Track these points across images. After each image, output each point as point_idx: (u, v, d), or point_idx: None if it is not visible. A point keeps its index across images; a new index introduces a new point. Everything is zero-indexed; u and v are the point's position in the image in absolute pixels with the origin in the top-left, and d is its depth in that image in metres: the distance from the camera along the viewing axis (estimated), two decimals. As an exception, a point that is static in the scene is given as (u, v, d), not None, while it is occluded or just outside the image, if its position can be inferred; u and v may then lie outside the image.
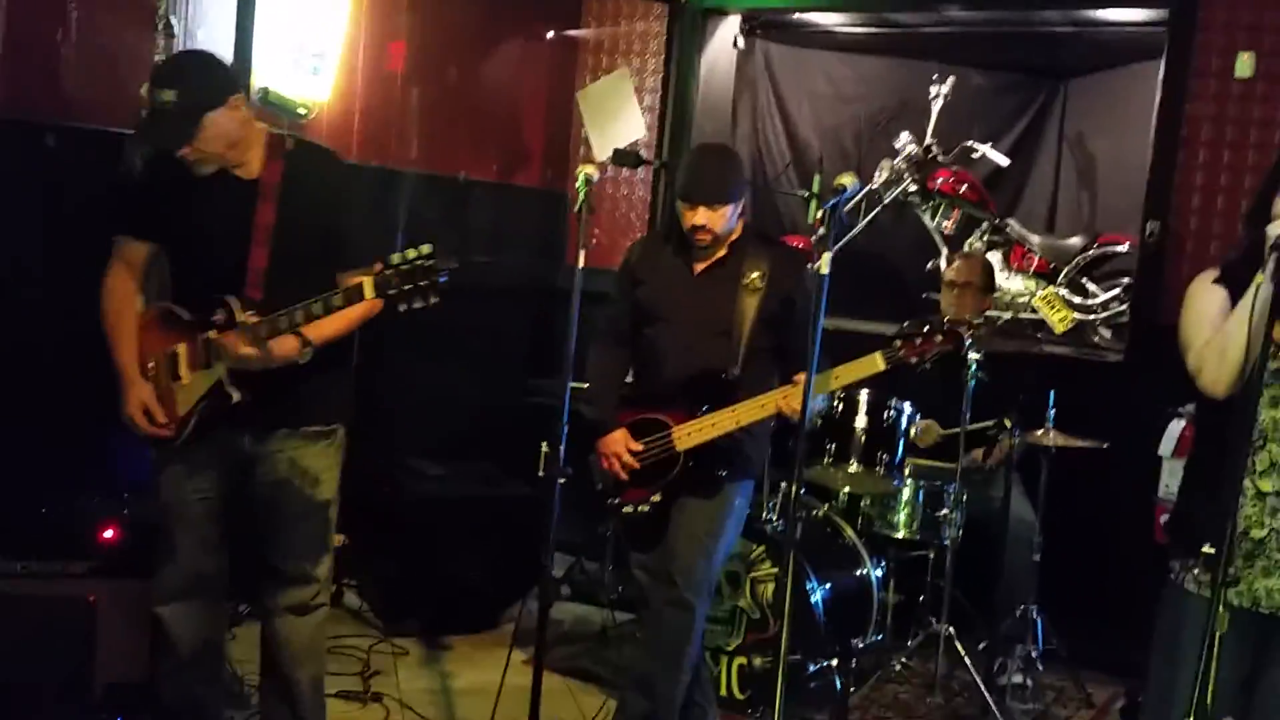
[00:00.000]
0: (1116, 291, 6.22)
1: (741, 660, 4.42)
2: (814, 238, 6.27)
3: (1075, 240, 6.49)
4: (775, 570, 4.37)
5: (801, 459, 3.19)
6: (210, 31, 4.97)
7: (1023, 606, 4.81)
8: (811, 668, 4.41)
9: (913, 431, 4.81)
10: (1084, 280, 6.38)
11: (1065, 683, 4.95)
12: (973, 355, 4.60)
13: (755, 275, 3.74)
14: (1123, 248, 6.21)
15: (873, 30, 6.88)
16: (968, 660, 4.58)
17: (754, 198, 7.11)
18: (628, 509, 3.82)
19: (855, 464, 4.65)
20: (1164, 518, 4.52)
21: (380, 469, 5.20)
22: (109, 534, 3.84)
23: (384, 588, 5.05)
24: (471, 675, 4.59)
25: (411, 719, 4.17)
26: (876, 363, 3.53)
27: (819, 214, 3.25)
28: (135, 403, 3.25)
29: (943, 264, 6.49)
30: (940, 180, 6.54)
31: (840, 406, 4.65)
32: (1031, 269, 6.49)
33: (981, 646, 4.74)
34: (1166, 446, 4.86)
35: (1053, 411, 4.71)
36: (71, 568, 3.75)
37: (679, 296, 3.82)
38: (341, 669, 4.39)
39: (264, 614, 3.48)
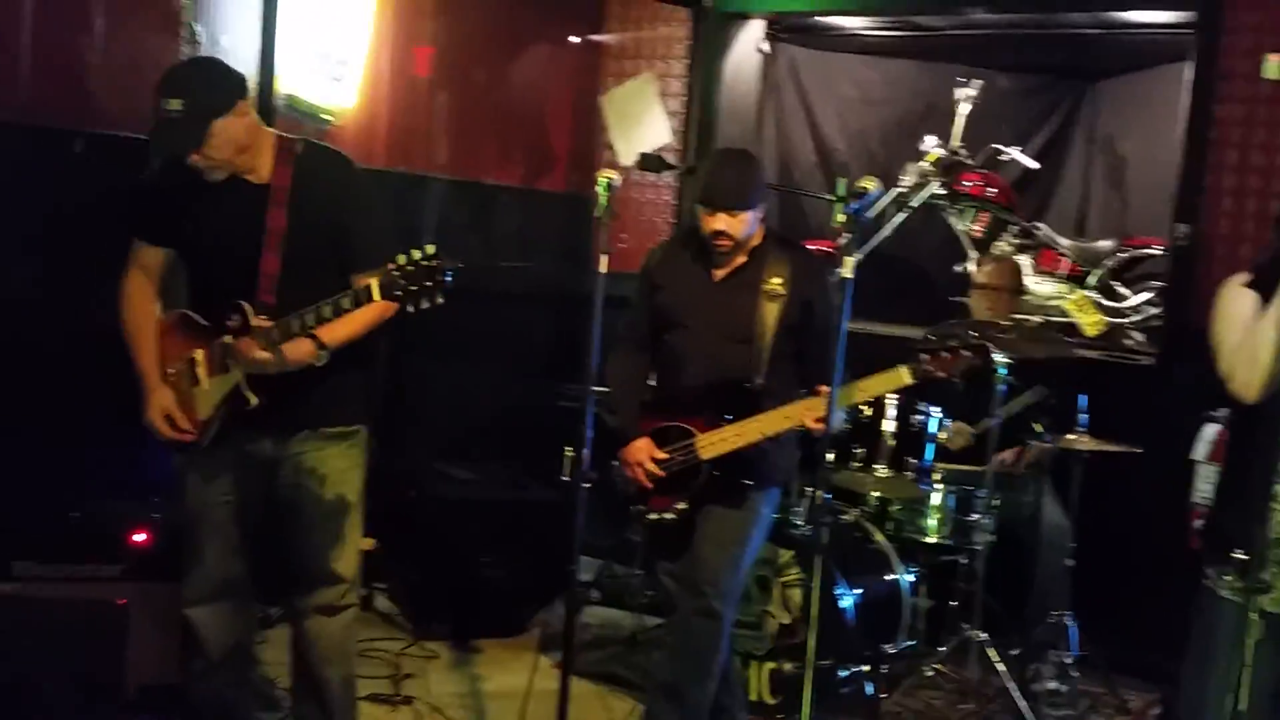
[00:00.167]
0: (1149, 295, 6.17)
1: (772, 665, 4.39)
2: (838, 242, 6.24)
3: (1106, 243, 6.43)
4: (804, 575, 4.33)
5: (825, 468, 3.18)
6: (235, 38, 4.99)
7: (1056, 613, 4.76)
8: (842, 673, 4.38)
9: (943, 435, 4.78)
10: (1115, 283, 6.33)
11: (1100, 689, 4.89)
12: (1001, 360, 4.56)
13: (776, 281, 3.71)
14: (1154, 250, 6.15)
15: (898, 33, 6.84)
16: (1001, 666, 4.53)
17: (780, 202, 7.12)
18: (653, 517, 3.78)
19: (884, 468, 4.62)
20: (1198, 523, 4.50)
21: (409, 473, 5.21)
22: (140, 537, 3.86)
23: (414, 591, 5.04)
24: (501, 679, 4.58)
25: (441, 723, 4.16)
26: (902, 377, 3.48)
27: (841, 218, 3.22)
28: (157, 408, 3.27)
29: (971, 267, 6.45)
30: (968, 183, 6.49)
31: (868, 410, 4.61)
32: (1061, 272, 6.44)
33: (1015, 653, 4.70)
34: (1200, 451, 4.80)
35: (1085, 416, 4.67)
36: (103, 571, 3.78)
37: (699, 303, 3.79)
38: (372, 672, 4.39)
39: (293, 615, 3.48)
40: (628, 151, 6.27)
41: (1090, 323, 5.75)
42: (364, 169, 3.49)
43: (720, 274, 3.78)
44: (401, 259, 2.89)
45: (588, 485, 3.39)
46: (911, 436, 4.70)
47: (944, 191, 6.51)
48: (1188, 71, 5.42)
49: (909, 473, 4.77)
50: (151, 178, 3.35)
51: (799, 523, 4.55)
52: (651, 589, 4.58)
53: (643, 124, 6.37)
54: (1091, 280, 6.35)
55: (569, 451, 3.68)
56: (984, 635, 4.61)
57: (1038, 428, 4.69)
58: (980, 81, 6.53)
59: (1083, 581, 4.83)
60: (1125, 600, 5.05)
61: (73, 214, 4.45)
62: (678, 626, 3.79)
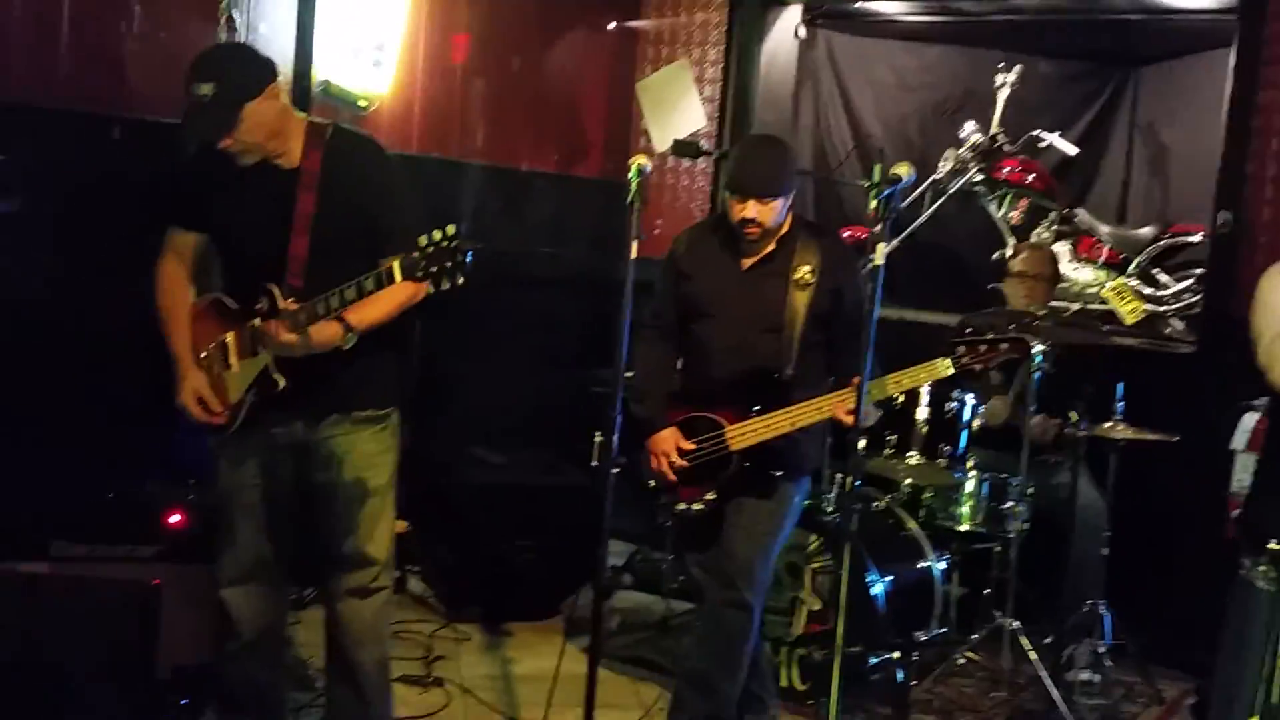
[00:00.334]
0: (1189, 282, 6.11)
1: (802, 651, 4.38)
2: (872, 229, 6.20)
3: (1146, 230, 6.37)
4: (835, 562, 4.32)
5: (857, 455, 3.16)
6: (272, 24, 5.02)
7: (1091, 601, 4.72)
8: (873, 660, 4.36)
9: (976, 421, 4.75)
10: (1155, 271, 6.27)
11: (1135, 679, 4.85)
12: (1038, 347, 4.53)
13: (806, 269, 3.66)
14: (1195, 238, 6.08)
15: (937, 19, 6.79)
16: (1033, 655, 4.50)
17: (815, 188, 7.10)
18: (681, 507, 3.76)
19: (917, 455, 4.59)
20: (1235, 513, 4.45)
21: (443, 457, 5.23)
22: (175, 519, 3.90)
23: (446, 574, 5.08)
24: (532, 662, 4.60)
25: (471, 704, 4.18)
26: (942, 369, 3.45)
27: (874, 204, 3.19)
28: (189, 391, 3.30)
29: (1008, 254, 6.41)
30: (1006, 170, 6.44)
31: (902, 398, 4.58)
32: (1101, 259, 6.38)
33: (1048, 641, 4.66)
34: (1239, 440, 4.75)
35: (1122, 404, 4.63)
36: (138, 552, 3.81)
37: (728, 292, 3.74)
38: (404, 654, 4.42)
39: (326, 598, 3.50)
40: (663, 138, 6.26)
41: (1129, 310, 5.69)
42: (398, 154, 3.51)
43: (749, 262, 3.74)
44: (423, 240, 2.89)
45: (616, 470, 3.37)
46: (945, 423, 4.67)
47: (982, 178, 6.47)
48: (1231, 57, 5.34)
49: (942, 460, 4.75)
50: (184, 164, 3.38)
51: (829, 509, 4.54)
52: (682, 574, 4.59)
53: (678, 110, 6.34)
54: (1131, 267, 6.28)
55: (598, 436, 3.67)
56: (1016, 623, 4.58)
57: (1073, 416, 4.64)
58: (1021, 67, 6.48)
59: (1118, 570, 4.79)
60: (1161, 589, 5.00)
61: (111, 199, 4.50)
62: (707, 617, 3.77)
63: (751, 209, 3.60)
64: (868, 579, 4.34)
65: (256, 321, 3.19)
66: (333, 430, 3.34)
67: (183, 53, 4.78)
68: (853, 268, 3.83)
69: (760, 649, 3.95)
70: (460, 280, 2.91)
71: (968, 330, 3.56)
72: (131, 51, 4.75)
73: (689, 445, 3.71)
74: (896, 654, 4.34)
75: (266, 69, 3.21)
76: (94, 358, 4.44)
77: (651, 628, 4.93)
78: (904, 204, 6.18)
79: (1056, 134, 6.51)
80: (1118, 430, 4.60)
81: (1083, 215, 6.55)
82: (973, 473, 4.77)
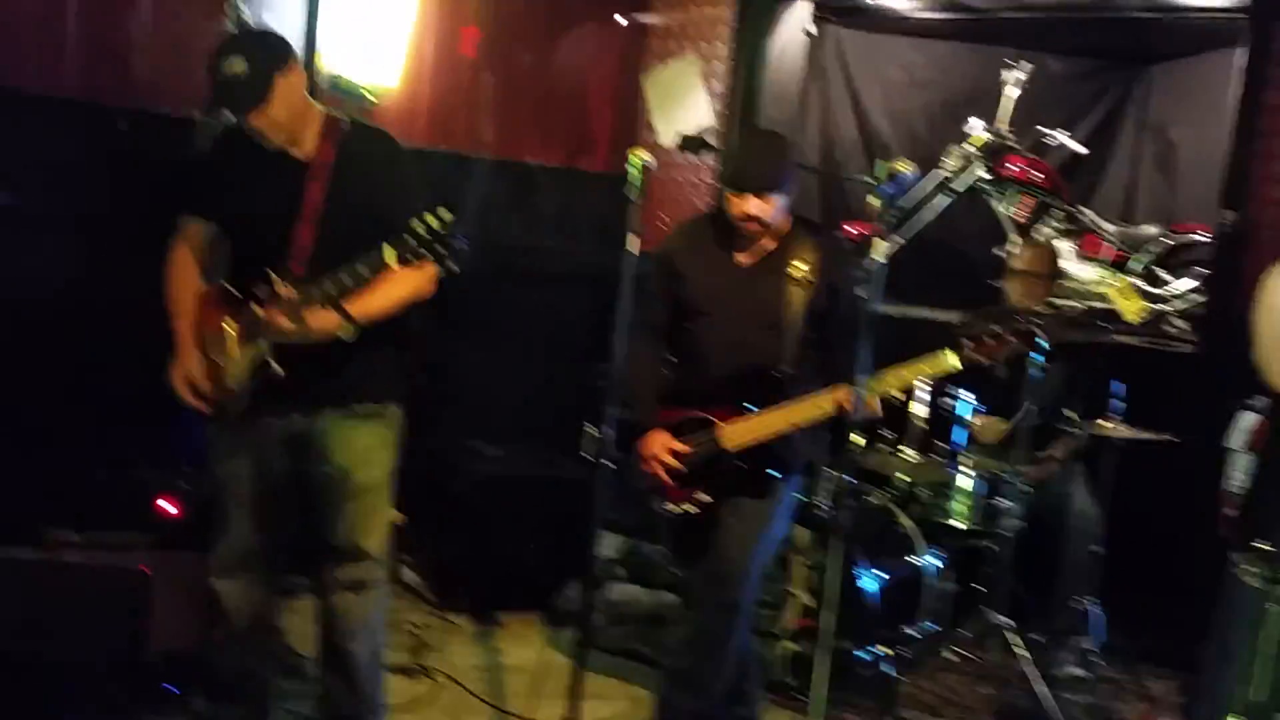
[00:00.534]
0: (1193, 281, 6.08)
1: (792, 645, 4.40)
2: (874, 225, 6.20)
3: (1151, 228, 6.35)
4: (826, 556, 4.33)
5: (850, 450, 3.14)
6: (278, 17, 5.06)
7: (1081, 599, 4.73)
8: (862, 655, 4.38)
9: (976, 423, 4.75)
10: (1159, 269, 6.25)
11: (1123, 677, 4.87)
12: (1043, 344, 4.52)
13: (803, 266, 3.61)
14: (1200, 237, 6.06)
15: (947, 15, 6.76)
16: (1023, 652, 4.51)
17: (822, 184, 7.09)
18: (672, 509, 3.72)
19: (913, 451, 4.60)
20: (1230, 512, 4.44)
21: (439, 449, 5.26)
22: (166, 506, 3.92)
23: (439, 565, 5.11)
24: (521, 653, 4.63)
25: (459, 693, 4.22)
26: (948, 361, 3.42)
27: (875, 201, 3.19)
28: (180, 372, 3.35)
29: (1010, 251, 6.40)
30: (1012, 167, 6.43)
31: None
32: (1105, 258, 6.36)
33: (1037, 638, 4.67)
34: (1235, 439, 4.72)
35: (1122, 404, 4.62)
36: (128, 539, 3.85)
37: (724, 290, 3.70)
38: (394, 643, 4.43)
39: (321, 590, 3.53)
40: (669, 132, 6.27)
41: (1132, 309, 5.68)
42: (407, 148, 3.54)
43: (746, 259, 3.70)
44: (414, 223, 2.92)
45: (610, 464, 3.37)
46: (941, 420, 4.68)
47: (988, 175, 6.46)
48: (1240, 57, 5.32)
49: (938, 456, 4.75)
50: (198, 153, 3.43)
51: (822, 504, 4.55)
52: (674, 571, 4.59)
53: (685, 105, 6.36)
54: (1135, 266, 6.26)
55: (590, 429, 3.67)
56: (1007, 620, 4.59)
57: (1071, 415, 4.65)
58: (1029, 64, 6.46)
59: (1114, 569, 4.79)
60: (1153, 588, 4.99)
61: (116, 190, 4.55)
62: (698, 617, 3.74)
63: (751, 204, 3.55)
64: (859, 574, 4.35)
65: (255, 308, 3.23)
66: (330, 423, 3.36)
67: (189, 45, 4.90)
68: (849, 265, 3.80)
69: (750, 644, 3.95)
70: (454, 269, 2.94)
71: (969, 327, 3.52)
72: (138, 44, 4.80)
73: (680, 446, 3.67)
74: (886, 649, 4.36)
75: (288, 45, 3.27)
76: (90, 345, 4.49)
77: (642, 620, 4.94)
78: (910, 200, 6.24)
79: (1064, 132, 6.51)
80: (1116, 429, 4.59)
81: (1087, 213, 6.54)
82: (969, 470, 4.77)
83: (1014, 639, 4.54)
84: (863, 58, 7.13)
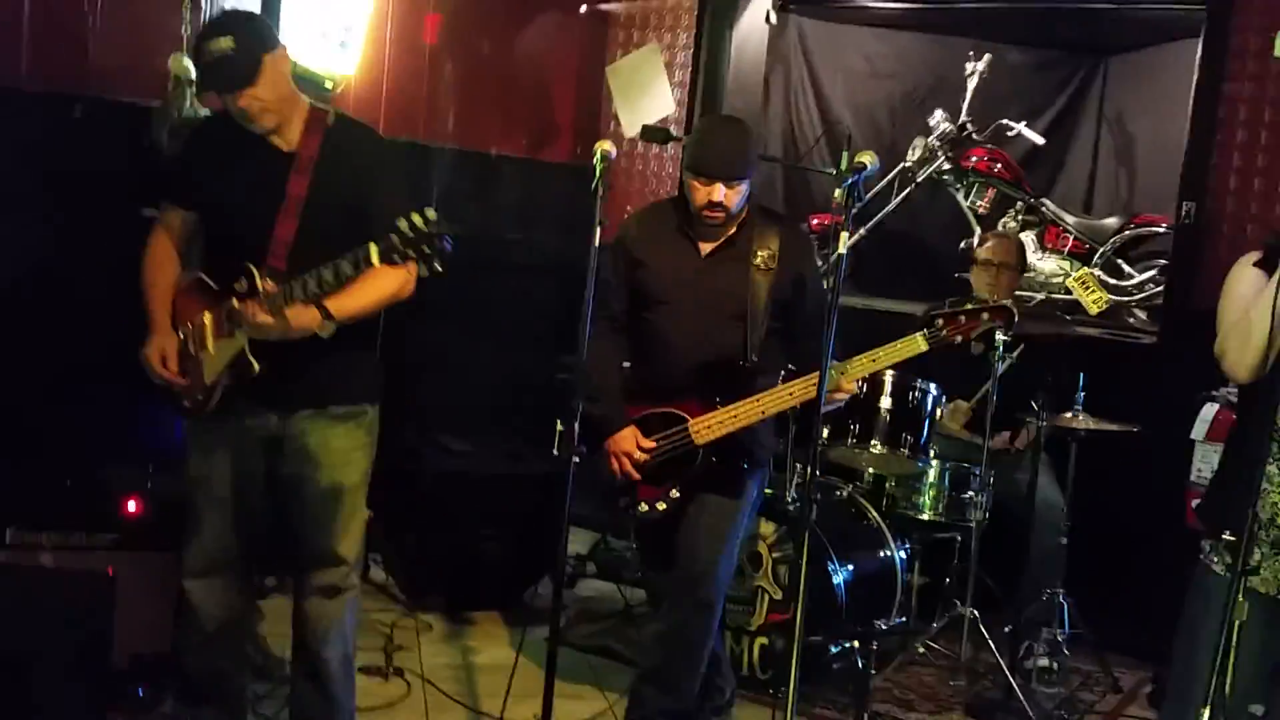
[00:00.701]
0: (1153, 273, 6.14)
1: (763, 640, 4.40)
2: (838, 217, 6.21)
3: (1111, 220, 6.41)
4: (796, 551, 4.33)
5: (818, 445, 3.12)
6: (237, 3, 4.96)
7: (1049, 590, 4.76)
8: (833, 649, 4.39)
9: (939, 413, 4.76)
10: (1120, 261, 6.30)
11: (1092, 667, 4.91)
12: (1000, 337, 4.55)
13: (766, 254, 3.58)
14: (1160, 228, 6.12)
15: (909, 6, 6.79)
16: (992, 643, 4.53)
17: (785, 175, 7.09)
18: (643, 508, 3.66)
19: (880, 445, 4.60)
20: (1195, 502, 4.48)
21: (407, 445, 5.21)
22: (132, 506, 3.85)
23: (409, 563, 5.06)
24: (493, 651, 4.60)
25: (432, 694, 4.17)
26: (918, 344, 3.38)
27: (839, 193, 3.17)
28: (155, 347, 3.25)
29: (975, 243, 6.43)
30: (974, 159, 6.47)
31: (864, 387, 4.57)
32: (1066, 249, 6.41)
33: (1007, 630, 4.70)
34: (1199, 430, 4.78)
35: (1083, 395, 4.65)
36: (93, 540, 3.77)
37: (687, 279, 3.63)
38: (365, 643, 4.37)
39: (295, 593, 3.47)
40: (632, 122, 6.24)
41: (1093, 300, 5.72)
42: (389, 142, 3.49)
43: (708, 247, 3.64)
44: (401, 223, 2.87)
45: (578, 460, 3.34)
46: (908, 413, 4.68)
47: (950, 167, 6.49)
48: (1198, 48, 5.36)
49: (904, 449, 4.75)
50: (180, 142, 3.35)
51: (792, 498, 4.55)
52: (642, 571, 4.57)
53: (648, 95, 6.34)
54: (1096, 258, 6.32)
55: (559, 426, 3.64)
56: (975, 612, 4.62)
57: (1034, 406, 4.67)
58: (990, 55, 6.49)
59: (1078, 560, 4.83)
60: (1120, 579, 5.05)
61: (72, 179, 4.45)
62: (669, 616, 3.70)
63: (719, 192, 3.50)
64: (829, 568, 4.35)
65: (234, 302, 3.16)
66: (305, 424, 3.30)
67: (145, 31, 4.81)
68: (813, 254, 3.80)
69: (721, 639, 3.94)
70: (439, 268, 2.89)
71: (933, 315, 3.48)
72: (94, 30, 4.70)
73: (649, 443, 3.62)
74: (857, 643, 4.36)
75: (273, 27, 3.25)
76: (48, 341, 4.40)
77: (613, 617, 4.93)
78: (872, 192, 6.25)
79: (1024, 123, 6.55)
80: (1078, 421, 4.62)
81: (1049, 205, 6.58)
82: (935, 462, 4.79)
83: (983, 631, 4.56)
84: (825, 48, 7.14)
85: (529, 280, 6.13)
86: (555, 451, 3.56)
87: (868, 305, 5.92)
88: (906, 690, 4.60)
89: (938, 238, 6.90)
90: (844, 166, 6.33)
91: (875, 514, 4.76)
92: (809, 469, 3.10)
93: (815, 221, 6.47)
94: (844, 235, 3.06)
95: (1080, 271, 6.10)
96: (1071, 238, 6.41)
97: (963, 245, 6.52)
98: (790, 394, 3.48)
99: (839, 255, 3.04)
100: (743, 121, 4.01)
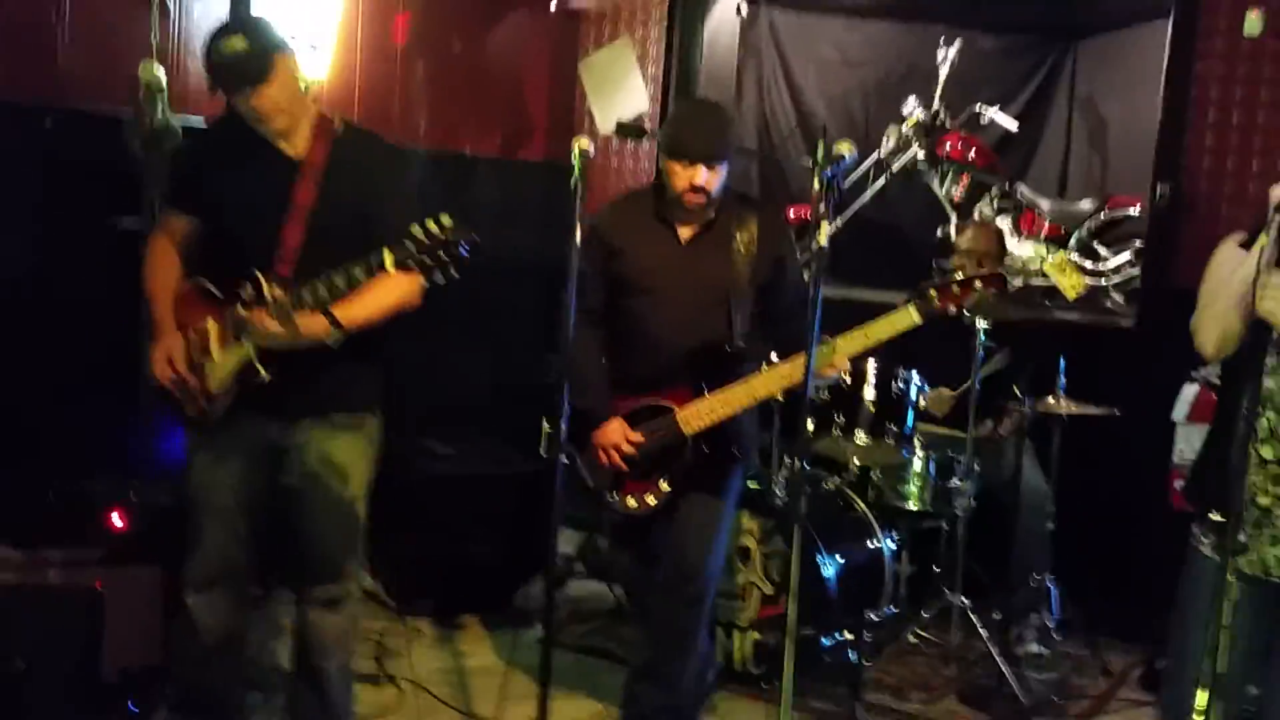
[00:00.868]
0: (1128, 255, 6.17)
1: (755, 635, 4.40)
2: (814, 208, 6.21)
3: (1086, 204, 6.43)
4: (786, 545, 4.33)
5: (806, 435, 3.11)
6: (206, 7, 4.95)
7: (1038, 576, 4.78)
8: (826, 641, 4.39)
9: (922, 401, 4.77)
10: (1095, 244, 6.33)
11: (1082, 651, 4.92)
12: (981, 323, 4.56)
13: (745, 238, 3.56)
14: (1134, 210, 6.15)
15: (878, -6, 6.81)
16: (983, 631, 4.54)
17: (761, 167, 7.09)
18: (630, 504, 3.63)
19: (864, 435, 4.61)
20: (1179, 483, 4.51)
21: (391, 450, 5.16)
22: (117, 520, 3.82)
23: (397, 568, 5.02)
24: (485, 655, 4.58)
25: (425, 699, 4.15)
26: (911, 315, 3.34)
27: (817, 184, 3.16)
28: (161, 349, 3.20)
29: (952, 231, 6.45)
30: (948, 146, 6.48)
31: (848, 378, 4.57)
32: (1042, 234, 6.44)
33: (997, 617, 4.72)
34: (1180, 411, 4.80)
35: (1064, 379, 4.67)
36: (79, 555, 3.73)
37: (668, 265, 3.59)
38: (357, 651, 4.37)
39: (296, 604, 3.45)
40: (607, 118, 6.22)
41: (1071, 285, 5.74)
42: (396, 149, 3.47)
43: (687, 233, 3.61)
44: (415, 229, 2.86)
45: (566, 460, 3.32)
46: (892, 403, 4.68)
47: (924, 154, 6.50)
48: (1168, 29, 5.38)
49: (890, 439, 4.76)
50: (155, 150, 3.32)
51: (779, 492, 4.55)
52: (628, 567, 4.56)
53: (621, 91, 6.31)
54: (1072, 241, 6.34)
55: (546, 426, 3.61)
56: (966, 600, 4.63)
57: (1017, 392, 4.68)
58: (961, 42, 6.51)
59: (1064, 545, 4.85)
60: (1106, 562, 5.07)
61: (44, 191, 4.41)
62: (661, 612, 3.69)
63: (700, 174, 3.46)
64: (818, 560, 4.35)
65: (240, 309, 3.13)
66: (309, 433, 3.28)
67: (114, 40, 4.76)
68: (791, 236, 3.76)
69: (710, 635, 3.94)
70: (454, 274, 2.87)
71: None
72: (62, 40, 4.65)
73: (637, 436, 3.59)
74: (849, 635, 4.37)
75: (280, 32, 3.19)
76: (29, 354, 4.35)
77: (604, 616, 4.91)
78: (848, 182, 6.26)
79: (996, 108, 6.56)
80: (1061, 405, 4.64)
81: (1024, 190, 6.61)
82: (920, 451, 4.80)
83: (974, 619, 4.57)
84: (796, 39, 7.14)
85: (507, 280, 6.08)
86: (543, 452, 3.52)
87: (846, 296, 5.90)
88: (899, 680, 4.59)
89: (913, 226, 6.92)
90: (820, 158, 6.37)
91: (862, 505, 4.76)
92: (797, 461, 3.10)
93: (792, 213, 6.46)
94: (824, 226, 3.05)
95: (1057, 256, 6.10)
96: (1047, 222, 6.43)
97: (939, 232, 6.54)
98: (783, 374, 3.45)
99: (820, 248, 3.03)
100: (720, 104, 3.97)
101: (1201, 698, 2.61)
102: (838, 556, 4.46)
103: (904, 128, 6.45)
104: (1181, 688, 2.82)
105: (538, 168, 6.53)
